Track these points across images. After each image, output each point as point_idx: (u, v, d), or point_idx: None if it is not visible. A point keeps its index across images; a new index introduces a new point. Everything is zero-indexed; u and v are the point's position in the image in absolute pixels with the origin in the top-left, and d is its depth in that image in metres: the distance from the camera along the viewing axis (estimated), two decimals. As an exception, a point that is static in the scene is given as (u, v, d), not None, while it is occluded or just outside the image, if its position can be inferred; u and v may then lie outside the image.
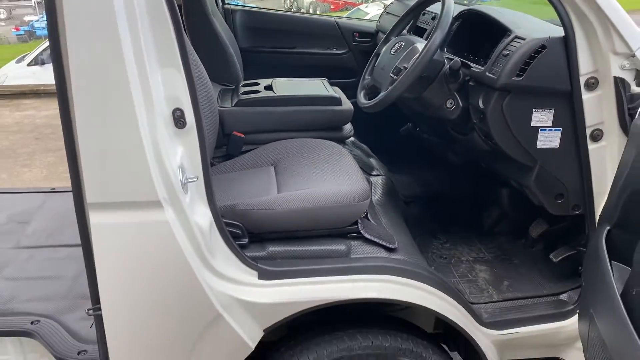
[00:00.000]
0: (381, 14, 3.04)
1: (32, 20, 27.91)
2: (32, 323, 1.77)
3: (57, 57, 1.23)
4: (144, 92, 1.22)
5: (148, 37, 1.22)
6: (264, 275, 1.48)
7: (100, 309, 1.46)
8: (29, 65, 12.66)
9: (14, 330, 1.76)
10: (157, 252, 1.35)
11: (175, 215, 1.31)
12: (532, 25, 1.87)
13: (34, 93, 7.19)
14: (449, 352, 1.75)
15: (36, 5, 27.64)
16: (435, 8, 2.21)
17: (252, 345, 1.48)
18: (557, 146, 1.67)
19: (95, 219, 1.31)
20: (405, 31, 2.22)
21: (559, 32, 1.63)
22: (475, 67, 1.81)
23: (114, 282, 1.37)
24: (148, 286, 1.39)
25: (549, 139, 1.67)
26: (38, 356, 1.82)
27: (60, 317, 1.80)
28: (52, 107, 6.83)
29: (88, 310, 1.47)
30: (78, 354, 1.66)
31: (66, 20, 1.17)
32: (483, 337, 1.66)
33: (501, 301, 1.85)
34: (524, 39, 1.67)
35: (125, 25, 1.18)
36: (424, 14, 2.38)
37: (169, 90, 1.27)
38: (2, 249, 2.23)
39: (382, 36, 2.47)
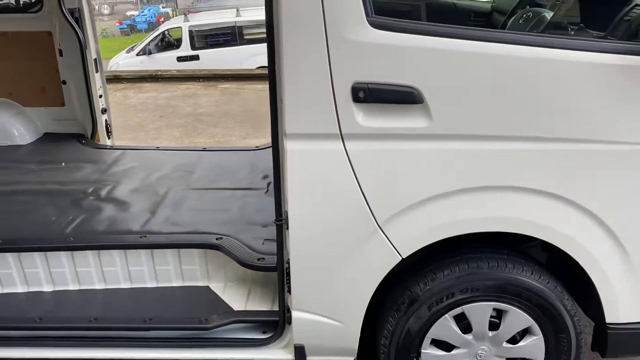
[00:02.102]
0: None
1: (133, 15, 30.03)
2: (216, 239, 2.25)
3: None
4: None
5: None
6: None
7: (282, 220, 1.90)
8: (137, 55, 13.90)
9: (203, 243, 2.25)
10: (335, 175, 1.74)
11: (350, 147, 1.70)
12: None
13: (152, 77, 8.00)
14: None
15: (137, 1, 29.71)
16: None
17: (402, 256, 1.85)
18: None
19: (290, 146, 1.73)
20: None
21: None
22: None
23: (300, 197, 1.79)
24: (325, 202, 1.79)
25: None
26: (216, 267, 2.32)
27: (237, 236, 2.27)
28: (169, 90, 7.59)
29: (275, 220, 1.91)
30: (257, 260, 2.12)
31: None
32: None
33: None
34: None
35: None
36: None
37: None
38: (177, 189, 2.76)
39: (497, 16, 2.74)
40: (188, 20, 13.95)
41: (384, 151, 1.73)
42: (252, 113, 6.40)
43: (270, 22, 1.64)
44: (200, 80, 8.12)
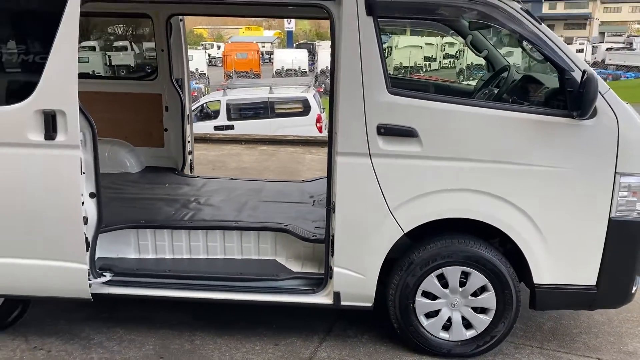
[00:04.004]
0: None
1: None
2: (284, 226, 3.45)
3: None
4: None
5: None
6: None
7: (331, 208, 3.09)
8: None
9: (276, 228, 3.45)
10: (365, 178, 2.95)
11: (375, 161, 2.93)
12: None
13: (202, 139, 9.42)
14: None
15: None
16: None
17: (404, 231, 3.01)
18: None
19: (340, 159, 2.96)
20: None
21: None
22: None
23: (342, 192, 2.99)
24: (358, 195, 2.99)
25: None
26: (281, 246, 3.49)
27: (297, 225, 3.47)
28: (217, 150, 8.99)
29: (327, 206, 3.11)
30: (312, 236, 3.31)
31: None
32: None
33: None
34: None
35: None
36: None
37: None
38: (253, 201, 3.99)
39: (469, 91, 4.04)
40: (226, 95, 15.74)
41: (394, 164, 2.95)
42: (287, 168, 7.72)
43: (332, 88, 2.94)
44: (242, 142, 9.55)
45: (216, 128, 14.69)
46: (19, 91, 2.94)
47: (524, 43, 3.16)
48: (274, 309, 3.62)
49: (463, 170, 2.93)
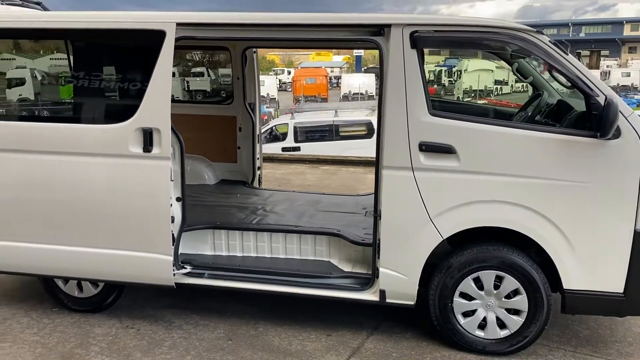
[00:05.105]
0: None
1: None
2: (338, 231, 3.92)
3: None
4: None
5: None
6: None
7: (377, 216, 3.53)
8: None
9: (331, 232, 3.93)
10: (408, 189, 3.37)
11: (417, 175, 3.35)
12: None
13: (269, 158, 10.13)
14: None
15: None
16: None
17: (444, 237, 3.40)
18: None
19: (385, 172, 3.41)
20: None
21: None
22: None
23: (388, 201, 3.43)
24: (402, 204, 3.41)
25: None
26: (335, 250, 3.96)
27: (349, 230, 3.94)
28: (282, 169, 9.64)
29: (374, 214, 3.56)
30: (362, 240, 3.76)
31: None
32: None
33: None
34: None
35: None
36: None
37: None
38: (312, 210, 4.50)
39: (509, 115, 4.38)
40: (294, 118, 16.56)
41: (434, 177, 3.36)
42: (347, 186, 8.20)
43: (380, 110, 3.41)
44: (306, 162, 10.16)
45: (284, 149, 15.45)
46: (123, 112, 3.62)
47: (554, 71, 3.49)
48: (326, 306, 4.08)
49: (497, 184, 3.29)
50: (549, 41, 3.25)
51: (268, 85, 33.99)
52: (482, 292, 3.48)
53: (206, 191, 5.10)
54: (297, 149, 15.34)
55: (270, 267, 3.88)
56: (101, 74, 3.80)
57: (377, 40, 3.37)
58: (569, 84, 3.35)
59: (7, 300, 4.34)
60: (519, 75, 4.43)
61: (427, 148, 3.33)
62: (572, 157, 3.21)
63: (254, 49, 5.44)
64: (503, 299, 3.46)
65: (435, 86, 39.91)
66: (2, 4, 4.38)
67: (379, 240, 3.52)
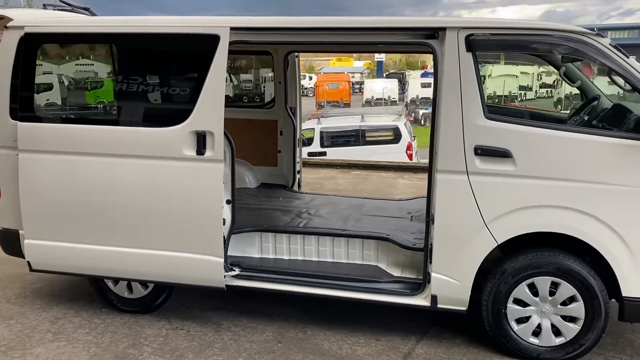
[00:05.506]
0: None
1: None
2: (386, 235, 3.90)
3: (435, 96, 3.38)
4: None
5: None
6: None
7: (430, 220, 3.51)
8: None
9: (379, 237, 3.91)
10: (462, 193, 3.35)
11: (471, 178, 3.32)
12: None
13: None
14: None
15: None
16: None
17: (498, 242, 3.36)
18: None
19: (439, 176, 3.39)
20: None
21: None
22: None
23: (441, 205, 3.40)
24: (456, 208, 3.38)
25: None
26: (383, 254, 3.94)
27: (398, 235, 3.92)
28: (314, 173, 9.65)
29: (426, 218, 3.54)
30: (412, 245, 3.74)
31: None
32: None
33: None
34: None
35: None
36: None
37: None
38: (357, 214, 4.50)
39: (561, 118, 4.31)
40: (320, 123, 16.58)
41: (490, 182, 3.33)
42: (380, 191, 8.18)
43: (434, 113, 3.39)
44: (337, 167, 10.16)
45: (310, 154, 15.51)
46: (177, 116, 3.66)
47: (613, 75, 3.44)
48: (374, 311, 4.06)
49: (553, 189, 3.24)
50: (610, 44, 3.20)
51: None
52: (537, 299, 3.42)
53: (248, 194, 5.13)
54: (324, 154, 15.35)
55: (317, 271, 3.88)
56: (155, 77, 3.85)
57: (431, 43, 3.36)
58: (629, 88, 3.29)
59: (56, 300, 4.41)
60: (566, 79, 4.38)
61: (483, 152, 3.30)
62: (631, 161, 3.15)
63: (296, 54, 5.47)
64: (559, 306, 3.40)
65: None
66: (53, 9, 4.48)
67: (431, 244, 3.50)
